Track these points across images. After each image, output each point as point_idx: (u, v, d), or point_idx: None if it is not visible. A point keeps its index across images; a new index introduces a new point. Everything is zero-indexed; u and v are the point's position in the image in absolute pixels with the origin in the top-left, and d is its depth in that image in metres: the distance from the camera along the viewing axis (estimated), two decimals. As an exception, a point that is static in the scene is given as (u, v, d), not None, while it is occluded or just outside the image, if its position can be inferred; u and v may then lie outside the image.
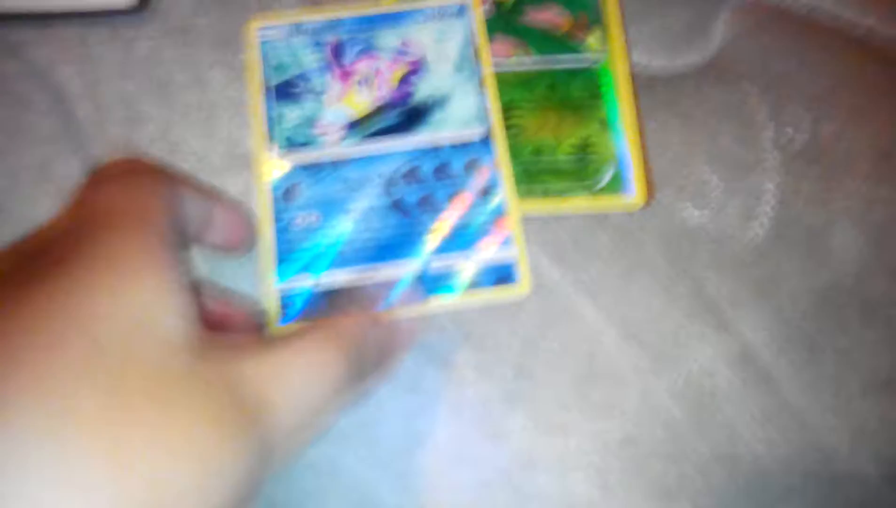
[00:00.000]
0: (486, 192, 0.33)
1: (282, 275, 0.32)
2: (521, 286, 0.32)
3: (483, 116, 0.34)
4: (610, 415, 0.31)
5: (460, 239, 0.33)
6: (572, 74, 0.35)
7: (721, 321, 0.32)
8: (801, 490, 0.30)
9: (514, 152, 0.34)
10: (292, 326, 0.32)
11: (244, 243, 0.31)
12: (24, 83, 0.37)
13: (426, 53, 0.35)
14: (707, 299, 0.32)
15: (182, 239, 0.24)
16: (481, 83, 0.35)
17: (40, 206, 0.34)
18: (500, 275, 0.32)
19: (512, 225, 0.33)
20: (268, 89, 0.35)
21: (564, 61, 0.35)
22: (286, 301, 0.32)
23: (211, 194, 0.29)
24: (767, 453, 0.31)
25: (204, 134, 0.36)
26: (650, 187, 0.34)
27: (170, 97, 0.37)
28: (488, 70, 0.35)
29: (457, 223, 0.33)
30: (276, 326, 0.32)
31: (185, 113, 0.36)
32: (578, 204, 0.33)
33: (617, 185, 0.33)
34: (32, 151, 0.36)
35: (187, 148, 0.36)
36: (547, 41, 0.36)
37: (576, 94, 0.35)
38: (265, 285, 0.32)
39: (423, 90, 0.35)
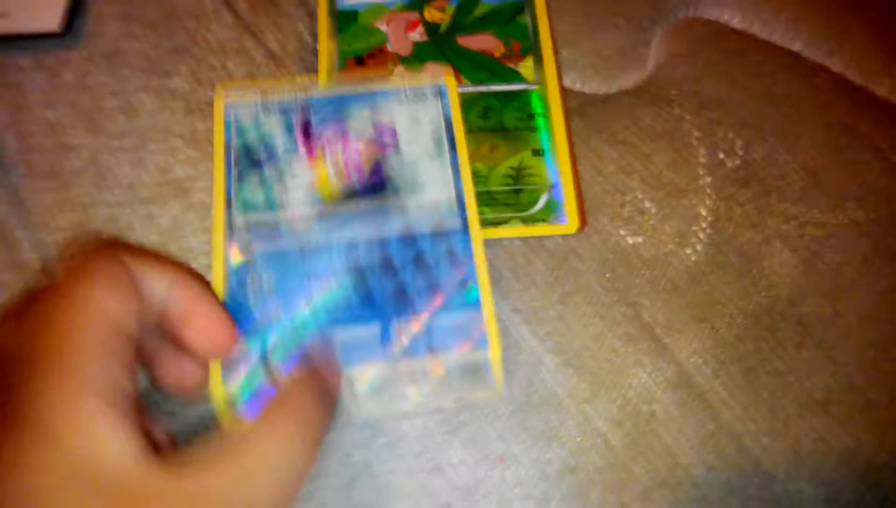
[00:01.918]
0: (460, 287, 0.31)
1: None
2: (497, 388, 0.30)
3: (458, 205, 0.32)
4: (548, 444, 0.31)
5: (432, 336, 0.30)
6: (506, 99, 0.35)
7: (657, 345, 0.32)
8: (739, 514, 0.30)
9: (450, 179, 0.33)
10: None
11: (223, 344, 0.29)
12: (-58, 112, 0.35)
13: (400, 137, 0.33)
14: (643, 324, 0.32)
15: (128, 346, 0.24)
16: (457, 169, 0.33)
17: (-43, 240, 0.33)
18: (473, 377, 0.30)
19: (487, 324, 0.30)
20: (230, 167, 0.33)
21: (498, 86, 0.35)
22: (244, 403, 0.29)
23: (177, 271, 0.27)
24: (706, 477, 0.31)
25: (132, 162, 0.35)
26: (584, 213, 0.34)
27: (97, 125, 0.36)
28: (464, 157, 0.33)
29: (429, 322, 0.30)
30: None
31: (112, 140, 0.35)
32: (513, 231, 0.33)
33: (550, 212, 0.33)
34: (-51, 183, 0.34)
35: (114, 177, 0.35)
36: (480, 66, 0.36)
37: (510, 120, 0.35)
38: (218, 386, 0.29)
39: (396, 174, 0.33)
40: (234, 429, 0.25)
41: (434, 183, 0.32)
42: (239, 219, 0.32)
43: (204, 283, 0.28)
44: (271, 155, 0.33)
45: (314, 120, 0.34)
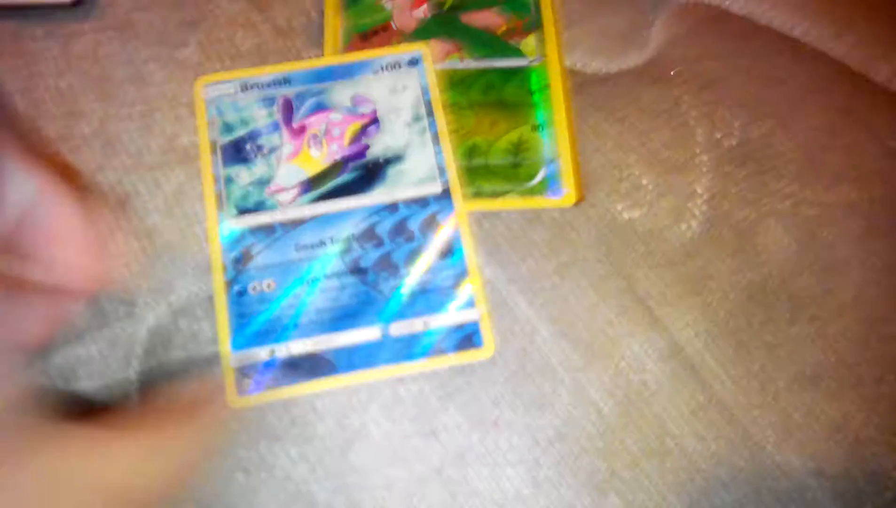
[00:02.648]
0: (446, 251, 0.32)
1: (237, 345, 0.31)
2: (486, 349, 0.31)
3: (440, 172, 0.33)
4: (541, 411, 0.31)
5: (421, 302, 0.31)
6: (508, 75, 0.36)
7: (650, 317, 0.32)
8: (729, 483, 0.31)
9: (450, 151, 0.34)
10: (255, 397, 0.31)
11: (92, 276, 0.25)
12: (-44, 78, 0.36)
13: (379, 107, 0.34)
14: (637, 296, 0.33)
15: None
16: (436, 137, 0.34)
17: (-32, 201, 0.34)
18: (464, 337, 0.31)
19: (475, 285, 0.32)
20: (216, 149, 0.34)
21: (500, 62, 0.36)
22: (245, 372, 0.31)
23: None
24: (696, 447, 0.31)
25: (140, 129, 0.36)
26: (583, 187, 0.34)
27: (107, 93, 0.36)
28: (443, 124, 0.34)
29: (417, 285, 0.32)
30: (238, 397, 0.31)
31: (122, 108, 0.36)
32: (511, 203, 0.34)
33: (548, 185, 0.34)
34: (-38, 146, 0.35)
35: (123, 143, 0.35)
36: (483, 43, 0.36)
37: (511, 95, 0.35)
38: (221, 355, 0.31)
39: (378, 146, 0.34)
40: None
41: (414, 151, 0.34)
42: (229, 200, 0.33)
43: (84, 203, 0.24)
44: (254, 135, 0.34)
45: (294, 98, 0.35)
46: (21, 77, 0.37)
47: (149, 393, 0.31)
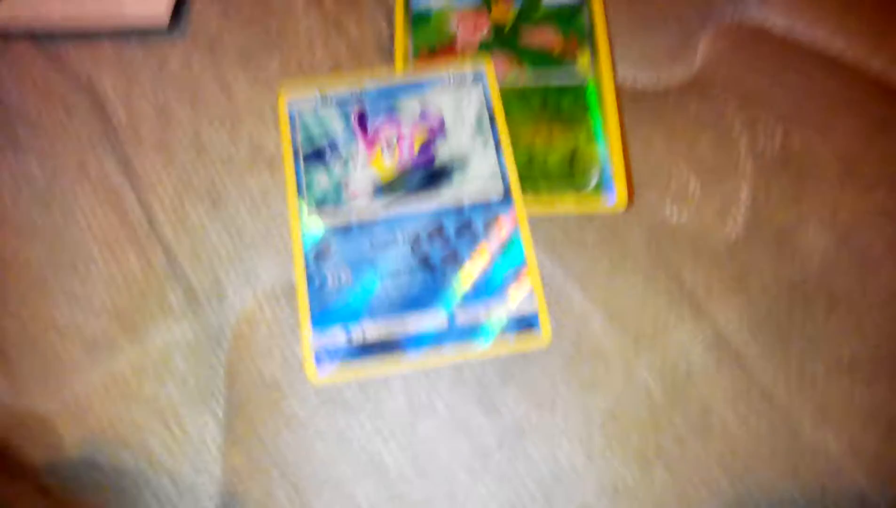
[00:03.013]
0: (506, 246, 0.35)
1: (316, 328, 0.34)
2: (543, 336, 0.34)
3: (501, 176, 0.37)
4: (594, 392, 0.34)
5: (483, 291, 0.35)
6: (564, 89, 0.39)
7: (697, 308, 0.35)
8: (768, 461, 0.33)
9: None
10: (332, 375, 0.34)
11: None
12: (67, 92, 0.41)
13: (446, 117, 0.38)
14: (684, 290, 0.36)
15: None
16: (498, 145, 0.37)
17: (80, 201, 0.38)
18: (523, 325, 0.34)
19: (532, 277, 0.35)
20: (298, 156, 0.38)
21: (556, 78, 0.39)
22: (321, 352, 0.34)
23: None
24: (738, 427, 0.33)
25: (229, 138, 0.39)
26: (633, 190, 0.37)
27: (199, 104, 0.40)
28: (504, 133, 0.38)
29: (480, 277, 0.35)
30: (317, 375, 0.34)
31: (212, 119, 0.40)
32: (567, 206, 0.37)
33: (601, 189, 0.37)
34: (73, 153, 0.39)
35: (214, 150, 0.39)
36: (541, 60, 0.40)
37: (566, 107, 0.38)
38: (302, 337, 0.35)
39: (444, 153, 0.37)
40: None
41: (478, 158, 0.37)
42: (310, 200, 0.37)
43: None
44: (332, 142, 0.38)
45: (368, 109, 0.39)
46: (122, 91, 0.41)
47: (235, 372, 0.35)
